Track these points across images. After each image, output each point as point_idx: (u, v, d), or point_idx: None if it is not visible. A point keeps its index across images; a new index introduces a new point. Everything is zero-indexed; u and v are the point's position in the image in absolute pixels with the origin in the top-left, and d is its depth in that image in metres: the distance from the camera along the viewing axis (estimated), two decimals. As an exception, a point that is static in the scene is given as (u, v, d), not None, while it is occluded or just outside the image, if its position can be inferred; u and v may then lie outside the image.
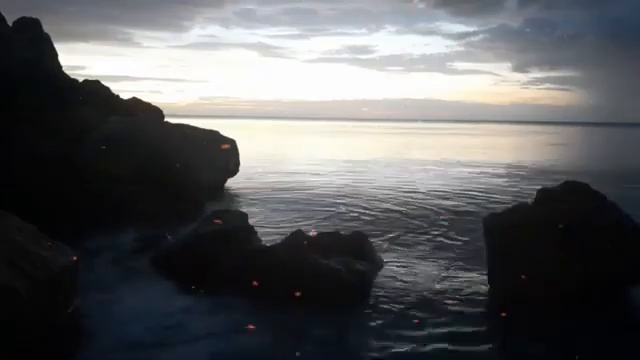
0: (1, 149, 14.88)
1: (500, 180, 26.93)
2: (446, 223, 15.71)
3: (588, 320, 8.76)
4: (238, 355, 7.42)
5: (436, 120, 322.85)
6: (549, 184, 11.68)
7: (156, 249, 11.62)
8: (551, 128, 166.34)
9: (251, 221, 12.00)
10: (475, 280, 10.46)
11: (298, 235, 10.95)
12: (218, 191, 20.68)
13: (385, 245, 12.88)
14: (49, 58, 18.41)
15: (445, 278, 10.58)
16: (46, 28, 18.95)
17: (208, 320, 8.58)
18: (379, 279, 10.39)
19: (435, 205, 18.73)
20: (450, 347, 7.72)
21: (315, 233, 11.01)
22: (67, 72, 19.06)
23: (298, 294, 9.00)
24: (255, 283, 9.29)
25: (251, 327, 8.30)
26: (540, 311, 8.90)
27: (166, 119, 23.60)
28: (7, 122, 15.25)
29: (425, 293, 9.74)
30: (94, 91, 21.26)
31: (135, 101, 23.43)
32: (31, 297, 7.16)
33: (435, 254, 12.34)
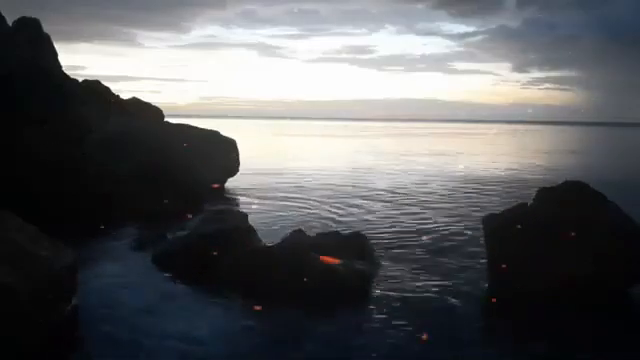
0: (1, 149, 14.88)
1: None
2: (446, 222, 15.71)
3: (588, 320, 8.75)
4: (238, 355, 7.42)
5: (436, 120, 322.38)
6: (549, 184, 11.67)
7: (156, 249, 11.61)
8: (552, 128, 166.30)
9: (251, 221, 12.00)
10: (475, 280, 10.46)
11: (298, 235, 10.95)
12: (218, 191, 20.68)
13: (385, 245, 12.87)
14: (49, 58, 18.41)
15: (445, 277, 10.57)
16: (46, 28, 18.95)
17: (208, 320, 8.58)
18: (379, 279, 10.39)
19: (435, 204, 18.74)
20: (450, 346, 7.72)
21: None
22: (67, 72, 19.07)
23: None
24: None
25: (251, 327, 8.30)
26: (540, 311, 8.89)
27: (166, 119, 23.64)
28: (7, 122, 15.25)
29: (425, 293, 9.74)
30: (94, 91, 21.32)
31: (135, 101, 23.49)
32: (31, 297, 7.16)
33: (435, 253, 12.32)
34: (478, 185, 24.48)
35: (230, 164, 22.33)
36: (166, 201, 15.91)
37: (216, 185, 18.94)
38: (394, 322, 8.40)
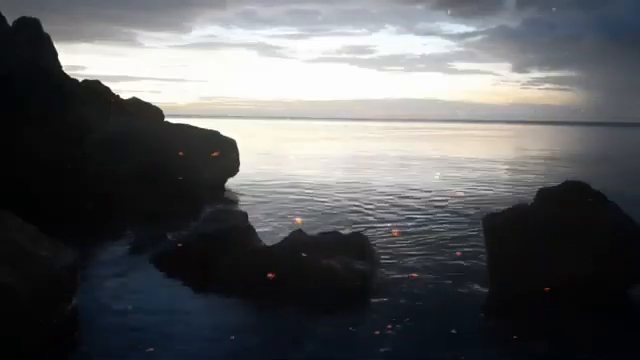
0: (1, 149, 14.89)
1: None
2: (446, 222, 15.71)
3: (588, 320, 8.75)
4: (238, 355, 7.42)
5: (436, 120, 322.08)
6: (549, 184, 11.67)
7: (156, 249, 11.62)
8: (552, 128, 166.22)
9: (251, 221, 12.00)
10: (475, 280, 10.45)
11: (298, 235, 10.95)
12: (218, 191, 20.68)
13: (385, 245, 12.87)
14: (49, 58, 18.42)
15: (445, 277, 10.57)
16: (46, 28, 18.97)
17: (208, 320, 8.59)
18: (379, 279, 10.39)
19: (435, 204, 18.74)
20: (450, 346, 7.72)
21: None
22: (67, 72, 19.08)
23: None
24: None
25: (251, 327, 8.30)
26: (540, 311, 8.89)
27: (166, 119, 23.64)
28: (7, 122, 15.26)
29: (425, 292, 9.74)
30: (94, 91, 21.33)
31: (135, 101, 23.49)
32: (31, 297, 7.16)
33: (435, 254, 12.32)
34: (479, 185, 24.50)
35: (230, 164, 22.32)
36: (166, 201, 15.89)
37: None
38: (394, 322, 8.40)
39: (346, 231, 12.56)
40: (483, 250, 10.96)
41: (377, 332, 8.10)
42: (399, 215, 16.88)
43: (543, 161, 39.83)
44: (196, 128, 22.41)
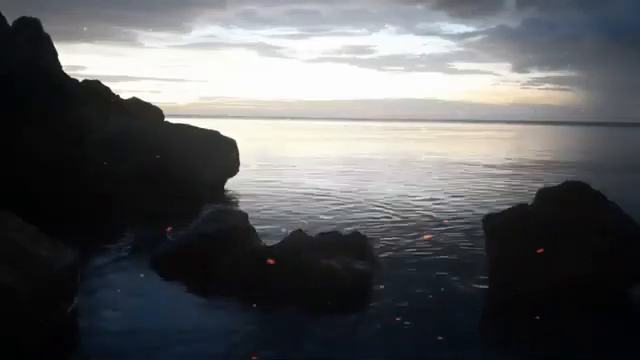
0: (1, 149, 14.88)
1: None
2: (446, 222, 15.71)
3: (588, 320, 8.76)
4: (238, 355, 7.41)
5: (436, 120, 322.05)
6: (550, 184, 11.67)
7: (156, 249, 11.61)
8: (552, 128, 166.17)
9: (251, 221, 12.01)
10: (475, 280, 10.46)
11: (298, 235, 10.94)
12: (218, 191, 20.68)
13: (385, 245, 12.87)
14: (49, 58, 18.39)
15: (445, 278, 10.57)
16: (46, 28, 18.93)
17: (207, 320, 8.59)
18: (379, 279, 10.38)
19: (435, 204, 18.74)
20: (450, 346, 7.72)
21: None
22: (67, 72, 19.03)
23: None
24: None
25: (251, 327, 8.30)
26: (540, 311, 8.89)
27: (166, 119, 23.63)
28: (7, 122, 15.25)
29: (425, 293, 9.73)
30: (94, 91, 21.31)
31: (135, 101, 23.47)
32: (31, 297, 7.16)
33: (435, 254, 12.33)
34: (479, 185, 24.51)
35: (230, 164, 22.31)
36: (166, 201, 15.90)
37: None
38: (394, 322, 8.40)
39: (346, 231, 12.55)
40: (483, 250, 10.96)
41: (377, 332, 8.11)
42: (399, 215, 16.88)
43: (543, 162, 39.85)
44: (196, 128, 22.40)
